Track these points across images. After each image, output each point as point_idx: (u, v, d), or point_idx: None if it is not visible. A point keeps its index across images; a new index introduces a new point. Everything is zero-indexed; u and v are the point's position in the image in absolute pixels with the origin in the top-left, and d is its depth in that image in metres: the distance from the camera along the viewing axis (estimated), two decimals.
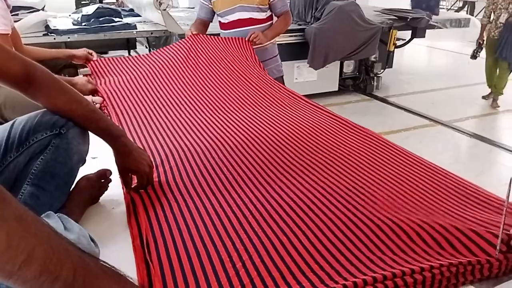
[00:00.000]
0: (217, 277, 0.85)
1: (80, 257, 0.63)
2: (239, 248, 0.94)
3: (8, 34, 1.81)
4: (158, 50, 2.56)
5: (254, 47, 2.50)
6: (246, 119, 1.74)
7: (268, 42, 2.65)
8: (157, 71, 2.24)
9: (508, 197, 0.89)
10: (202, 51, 2.39)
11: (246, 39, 2.52)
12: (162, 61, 2.35)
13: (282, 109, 1.85)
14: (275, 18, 2.71)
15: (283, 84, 2.55)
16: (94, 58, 2.34)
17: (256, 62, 2.41)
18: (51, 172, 1.01)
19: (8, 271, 0.55)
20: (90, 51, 2.34)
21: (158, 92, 2.05)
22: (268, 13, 2.64)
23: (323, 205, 1.11)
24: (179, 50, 2.41)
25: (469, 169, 3.51)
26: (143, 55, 2.56)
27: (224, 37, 2.52)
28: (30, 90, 1.02)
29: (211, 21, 2.72)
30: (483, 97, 5.49)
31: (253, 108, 1.86)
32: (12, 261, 0.55)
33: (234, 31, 2.58)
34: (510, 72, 5.18)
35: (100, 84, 2.08)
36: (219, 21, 2.66)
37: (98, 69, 2.26)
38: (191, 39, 2.45)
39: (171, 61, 2.33)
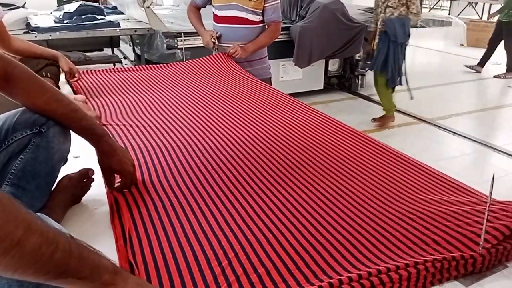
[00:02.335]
0: (203, 275, 0.85)
1: (70, 237, 0.66)
2: (225, 246, 0.93)
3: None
4: (144, 66, 2.60)
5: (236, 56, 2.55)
6: (231, 118, 1.73)
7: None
8: (143, 82, 2.25)
9: (491, 193, 0.90)
10: (186, 71, 2.44)
11: (226, 53, 2.57)
12: (148, 74, 2.38)
13: (267, 110, 1.85)
14: None
15: (270, 85, 2.55)
16: (73, 80, 2.21)
17: (238, 69, 2.46)
18: (31, 171, 0.98)
19: (5, 247, 0.55)
20: (75, 73, 2.23)
21: (142, 96, 2.04)
22: (262, 16, 2.66)
23: (307, 204, 1.11)
24: (166, 68, 2.49)
25: (453, 166, 3.56)
26: (128, 67, 2.56)
27: (206, 57, 2.59)
28: (8, 88, 0.99)
29: (204, 8, 2.79)
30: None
31: (238, 109, 1.85)
32: (11, 235, 0.56)
33: (226, 26, 2.63)
34: (391, 90, 4.39)
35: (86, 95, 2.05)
36: (213, 13, 2.70)
37: (84, 84, 2.19)
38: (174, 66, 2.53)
39: (156, 76, 2.35)
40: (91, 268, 0.65)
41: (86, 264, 0.64)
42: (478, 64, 6.62)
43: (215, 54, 2.58)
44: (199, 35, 2.77)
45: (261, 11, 2.62)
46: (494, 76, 6.39)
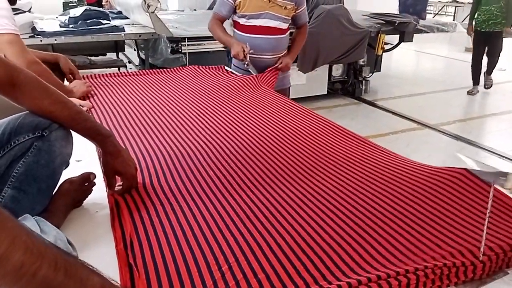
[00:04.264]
0: (203, 280, 0.84)
1: (59, 252, 0.63)
2: (225, 251, 0.93)
3: (18, 34, 1.81)
4: (153, 70, 2.58)
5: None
6: (233, 123, 1.73)
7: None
8: (147, 86, 2.26)
9: (491, 200, 0.89)
10: (190, 76, 2.43)
11: (275, 67, 2.49)
12: (152, 79, 2.39)
13: (269, 115, 1.85)
14: None
15: (289, 94, 2.57)
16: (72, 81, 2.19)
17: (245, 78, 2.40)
18: (33, 175, 0.99)
19: None
20: (76, 73, 2.17)
21: (146, 101, 2.06)
22: (288, 24, 2.59)
23: (308, 208, 1.11)
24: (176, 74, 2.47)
25: None
26: (132, 72, 2.57)
27: (233, 75, 2.44)
28: (14, 93, 1.00)
29: (228, 19, 2.64)
30: None
31: (240, 114, 1.85)
32: None
33: (256, 36, 2.48)
34: None
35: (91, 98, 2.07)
36: (236, 21, 2.55)
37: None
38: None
39: (160, 80, 2.36)
40: (77, 286, 0.63)
41: (71, 283, 0.62)
42: (474, 83, 6.11)
43: (249, 77, 2.33)
44: (203, 40, 2.76)
45: (290, 18, 2.55)
46: (468, 92, 6.01)
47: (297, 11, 2.54)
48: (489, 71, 6.12)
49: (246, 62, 2.41)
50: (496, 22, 5.65)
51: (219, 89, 2.18)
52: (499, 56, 5.99)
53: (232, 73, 2.54)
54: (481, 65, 5.96)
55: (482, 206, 1.11)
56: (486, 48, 5.92)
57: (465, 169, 1.23)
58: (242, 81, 2.27)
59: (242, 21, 2.50)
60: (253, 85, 2.25)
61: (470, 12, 6.26)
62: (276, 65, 2.52)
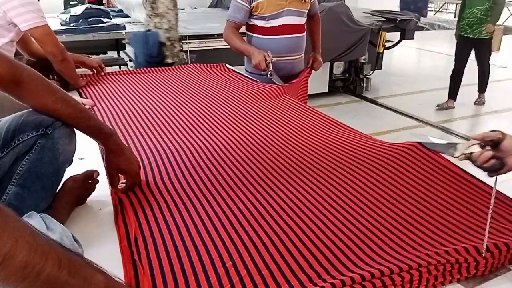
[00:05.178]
0: (207, 276, 0.85)
1: (63, 251, 0.63)
2: (229, 247, 0.93)
3: (46, 24, 1.91)
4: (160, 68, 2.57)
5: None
6: (235, 120, 1.73)
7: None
8: (148, 84, 2.27)
9: (493, 197, 0.90)
10: (192, 73, 2.42)
11: (309, 66, 2.47)
12: (153, 77, 2.41)
13: (271, 112, 1.85)
14: None
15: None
16: (103, 72, 2.37)
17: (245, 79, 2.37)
18: (37, 172, 0.99)
19: None
20: (102, 64, 2.37)
21: (148, 99, 2.06)
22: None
23: (311, 204, 1.11)
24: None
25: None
26: (133, 70, 2.57)
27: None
28: (17, 91, 1.00)
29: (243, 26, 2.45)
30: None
31: (242, 111, 1.86)
32: None
33: (279, 37, 2.31)
34: None
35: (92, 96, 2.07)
36: (254, 25, 2.35)
37: (89, 86, 2.22)
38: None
39: (161, 78, 2.37)
40: (81, 285, 0.63)
41: (75, 282, 0.62)
42: (449, 96, 5.22)
43: (274, 87, 2.12)
44: (204, 38, 2.70)
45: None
46: (437, 107, 5.20)
47: (311, 1, 2.41)
48: (481, 88, 5.30)
49: (269, 72, 2.20)
50: (481, 27, 4.79)
51: (223, 88, 2.17)
52: (489, 68, 5.13)
53: (250, 79, 2.36)
54: (461, 76, 5.11)
55: (482, 204, 1.11)
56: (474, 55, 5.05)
57: (418, 143, 1.36)
58: (266, 91, 2.06)
59: (261, 23, 2.32)
60: (279, 96, 2.05)
61: (458, 13, 5.37)
62: (309, 65, 2.46)
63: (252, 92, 2.06)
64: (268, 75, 2.21)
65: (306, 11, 2.38)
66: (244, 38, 2.43)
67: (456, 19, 5.72)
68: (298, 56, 2.42)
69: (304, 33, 2.42)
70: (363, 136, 1.59)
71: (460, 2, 4.80)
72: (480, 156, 0.96)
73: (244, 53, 2.35)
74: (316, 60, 2.52)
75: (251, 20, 2.34)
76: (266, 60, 2.17)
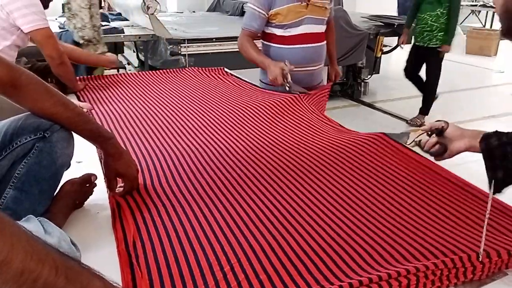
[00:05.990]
0: (205, 280, 0.85)
1: (60, 257, 0.62)
2: (227, 251, 0.93)
3: (48, 27, 1.92)
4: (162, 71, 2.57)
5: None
6: (234, 124, 1.74)
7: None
8: (147, 88, 2.28)
9: (490, 200, 0.90)
10: (190, 77, 2.47)
11: (331, 79, 2.45)
12: (151, 80, 2.41)
13: (271, 115, 1.85)
14: None
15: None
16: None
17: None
18: (34, 176, 0.99)
19: None
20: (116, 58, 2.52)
21: (145, 102, 2.06)
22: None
23: (309, 209, 1.11)
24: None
25: (464, 170, 3.55)
26: (131, 73, 2.56)
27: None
28: (15, 94, 1.00)
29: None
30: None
31: (241, 115, 1.86)
32: None
33: (298, 47, 2.18)
34: None
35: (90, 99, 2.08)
36: (271, 33, 2.22)
37: (88, 90, 2.22)
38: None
39: (159, 82, 2.37)
40: None
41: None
42: (420, 112, 4.78)
43: (292, 97, 1.98)
44: (202, 42, 2.64)
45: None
46: (407, 122, 4.81)
47: (329, 6, 2.26)
48: (423, 108, 4.70)
49: (287, 86, 2.01)
50: (431, 35, 4.36)
51: (222, 93, 2.17)
52: (436, 85, 4.65)
53: (250, 83, 2.30)
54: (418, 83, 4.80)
55: (477, 211, 1.12)
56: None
57: (383, 133, 1.48)
58: (284, 101, 1.94)
59: (279, 32, 2.18)
60: (299, 107, 1.92)
61: (407, 19, 4.81)
62: (331, 78, 2.44)
63: (251, 97, 2.06)
64: (287, 88, 2.02)
65: (326, 19, 2.27)
66: (259, 47, 2.28)
67: None
68: (318, 66, 2.31)
69: (324, 42, 2.31)
70: (351, 132, 1.61)
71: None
72: (427, 142, 1.17)
73: (260, 65, 2.21)
74: (337, 73, 2.49)
75: (269, 28, 2.20)
76: (284, 70, 1.99)
